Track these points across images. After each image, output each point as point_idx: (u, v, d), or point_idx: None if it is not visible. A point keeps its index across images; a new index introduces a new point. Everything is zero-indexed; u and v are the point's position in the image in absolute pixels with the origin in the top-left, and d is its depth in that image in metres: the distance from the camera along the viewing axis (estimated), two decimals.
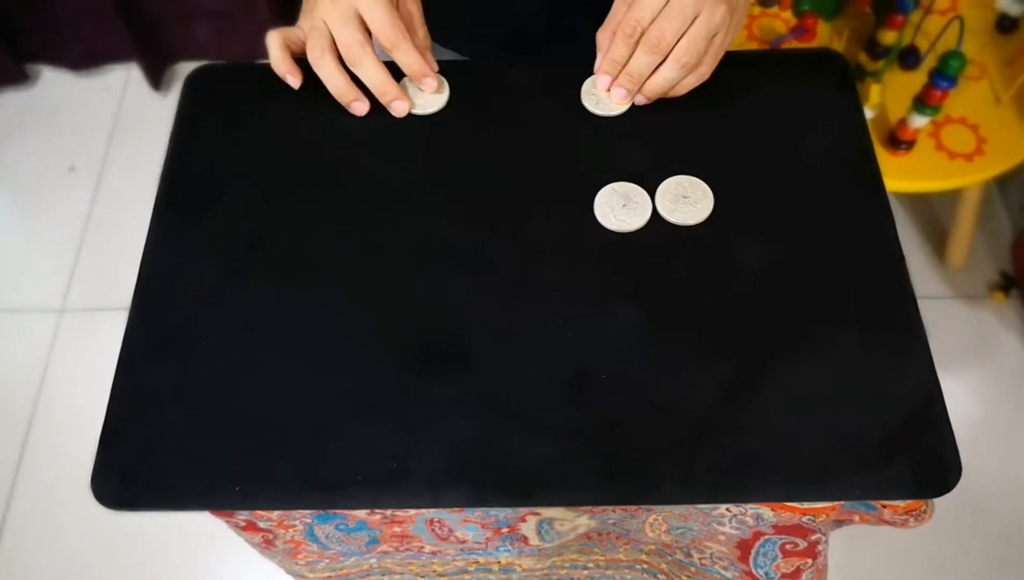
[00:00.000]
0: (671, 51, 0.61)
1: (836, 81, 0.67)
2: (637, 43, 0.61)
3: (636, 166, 0.63)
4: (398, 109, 0.65)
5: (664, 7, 0.60)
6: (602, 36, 0.64)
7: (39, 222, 1.73)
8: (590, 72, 0.66)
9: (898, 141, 1.26)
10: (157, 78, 1.85)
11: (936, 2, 1.33)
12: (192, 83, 0.70)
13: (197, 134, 0.67)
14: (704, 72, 0.63)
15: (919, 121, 1.22)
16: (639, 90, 0.64)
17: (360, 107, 0.65)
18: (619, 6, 0.63)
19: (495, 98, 0.67)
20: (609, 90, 0.65)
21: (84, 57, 1.85)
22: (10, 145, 1.82)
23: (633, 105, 0.65)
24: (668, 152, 0.64)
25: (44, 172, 1.78)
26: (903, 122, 1.24)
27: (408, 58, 0.64)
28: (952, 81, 1.17)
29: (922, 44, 1.31)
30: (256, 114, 0.66)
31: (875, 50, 1.28)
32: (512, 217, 0.61)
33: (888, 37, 1.26)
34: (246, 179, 0.64)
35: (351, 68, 0.63)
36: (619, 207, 0.61)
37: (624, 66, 0.63)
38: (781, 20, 1.38)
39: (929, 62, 1.28)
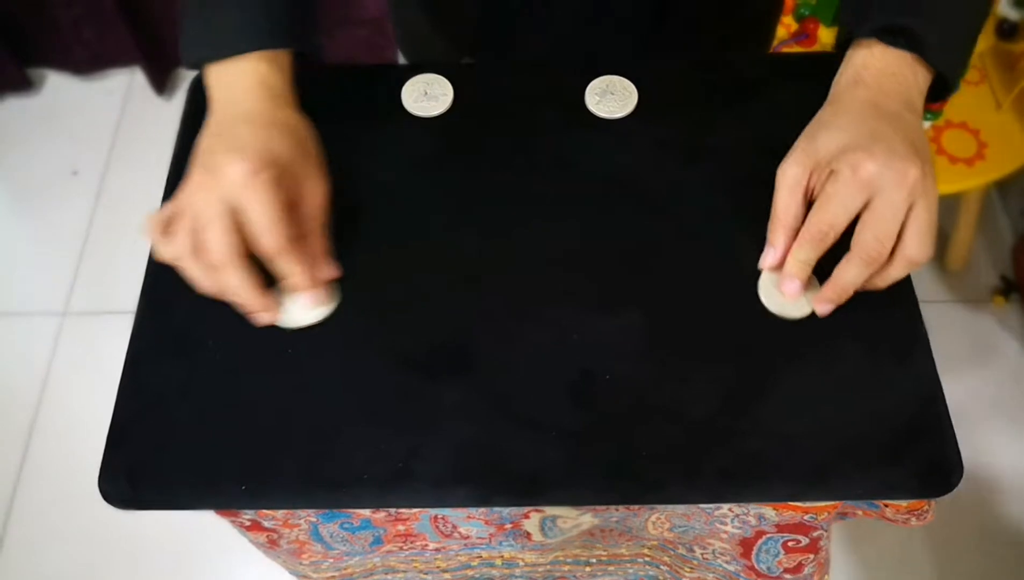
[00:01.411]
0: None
1: None
2: (828, 246, 0.53)
3: (639, 169, 0.63)
4: (261, 321, 0.56)
5: (867, 205, 0.51)
6: (779, 233, 0.55)
7: (42, 226, 1.73)
8: (593, 74, 0.66)
9: None
10: (160, 82, 1.85)
11: None
12: (198, 86, 0.70)
13: None
14: (931, 254, 0.53)
15: None
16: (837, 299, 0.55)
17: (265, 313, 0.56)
18: (791, 194, 0.54)
19: (498, 101, 0.67)
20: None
21: (87, 61, 1.85)
22: (13, 149, 1.82)
23: (636, 108, 0.66)
24: (672, 155, 0.64)
25: (47, 176, 1.79)
26: None
27: (289, 269, 0.54)
28: None
29: None
30: None
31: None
32: (517, 219, 0.62)
33: None
34: None
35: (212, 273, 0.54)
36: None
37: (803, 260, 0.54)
38: (782, 25, 1.39)
39: None
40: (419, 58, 0.86)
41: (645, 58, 0.71)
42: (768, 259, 0.56)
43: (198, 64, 0.59)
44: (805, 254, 0.54)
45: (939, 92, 0.57)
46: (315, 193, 0.57)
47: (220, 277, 0.53)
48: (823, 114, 0.57)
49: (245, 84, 0.57)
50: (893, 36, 0.55)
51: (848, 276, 0.53)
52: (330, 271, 0.58)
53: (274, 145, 0.55)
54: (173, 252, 0.54)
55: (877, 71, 0.56)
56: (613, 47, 0.76)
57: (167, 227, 0.54)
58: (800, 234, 0.54)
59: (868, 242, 0.51)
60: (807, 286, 0.55)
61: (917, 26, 0.54)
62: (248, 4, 0.57)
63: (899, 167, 0.51)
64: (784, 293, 0.55)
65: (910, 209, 0.51)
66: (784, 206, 0.55)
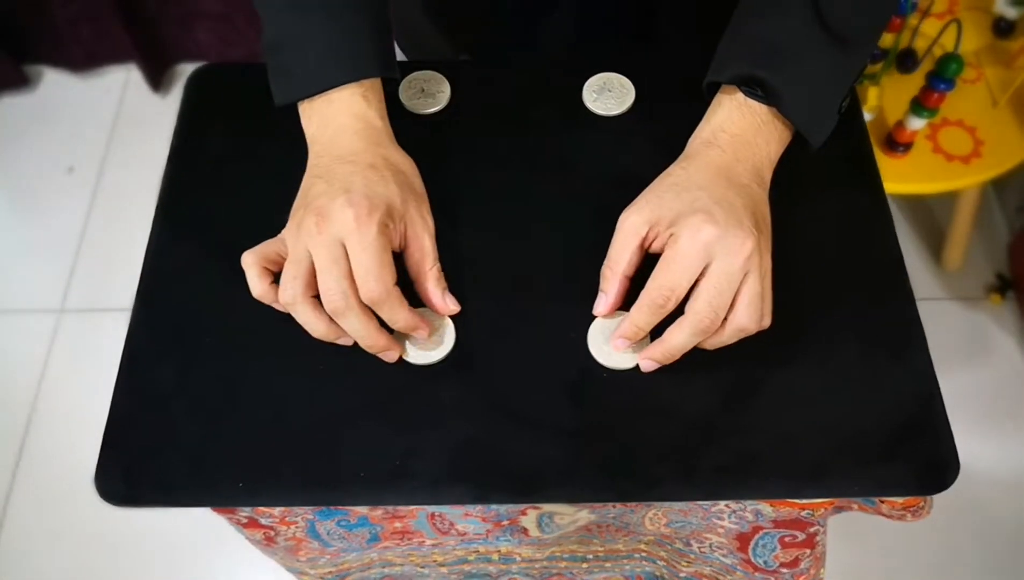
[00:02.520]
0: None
1: None
2: (667, 312, 0.53)
3: (637, 166, 0.63)
4: (388, 358, 0.56)
5: (704, 272, 0.52)
6: (610, 279, 0.55)
7: (38, 223, 1.73)
8: (592, 71, 0.66)
9: (895, 143, 1.27)
10: (157, 80, 1.85)
11: (933, 5, 1.34)
12: (194, 84, 0.70)
13: (199, 134, 0.67)
14: (767, 323, 0.54)
15: (916, 123, 1.23)
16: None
17: (347, 340, 0.55)
18: (626, 244, 0.54)
19: (495, 98, 0.67)
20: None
21: (84, 59, 1.85)
22: (10, 146, 1.82)
23: (635, 107, 0.66)
24: (669, 155, 0.64)
25: (43, 173, 1.78)
26: (900, 124, 1.25)
27: (394, 315, 0.54)
28: (949, 84, 1.17)
29: (919, 47, 1.31)
30: (258, 114, 0.66)
31: (873, 53, 1.29)
32: (514, 218, 0.62)
33: (886, 39, 1.27)
34: (249, 179, 0.64)
35: (332, 317, 0.54)
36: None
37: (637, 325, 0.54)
38: None
39: (926, 65, 1.29)
40: (418, 55, 0.86)
41: (641, 57, 0.71)
42: (600, 306, 0.56)
43: (291, 100, 0.58)
44: (644, 320, 0.53)
45: (805, 144, 0.59)
46: (423, 231, 0.56)
47: (343, 322, 0.53)
48: (675, 171, 0.57)
49: (342, 121, 0.57)
50: (750, 87, 0.56)
51: (678, 340, 0.53)
52: (454, 305, 0.57)
53: (380, 188, 0.54)
54: (287, 298, 0.53)
55: (733, 136, 0.57)
56: (608, 46, 0.76)
57: (267, 267, 0.55)
58: (640, 299, 0.53)
59: (702, 310, 0.51)
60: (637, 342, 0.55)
61: (773, 80, 0.55)
62: (336, 35, 0.57)
63: (738, 235, 0.51)
64: (613, 347, 0.55)
65: (743, 280, 0.52)
66: (618, 253, 0.55)
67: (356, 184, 0.53)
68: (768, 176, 0.58)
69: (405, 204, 0.55)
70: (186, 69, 1.87)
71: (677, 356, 0.54)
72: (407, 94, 0.67)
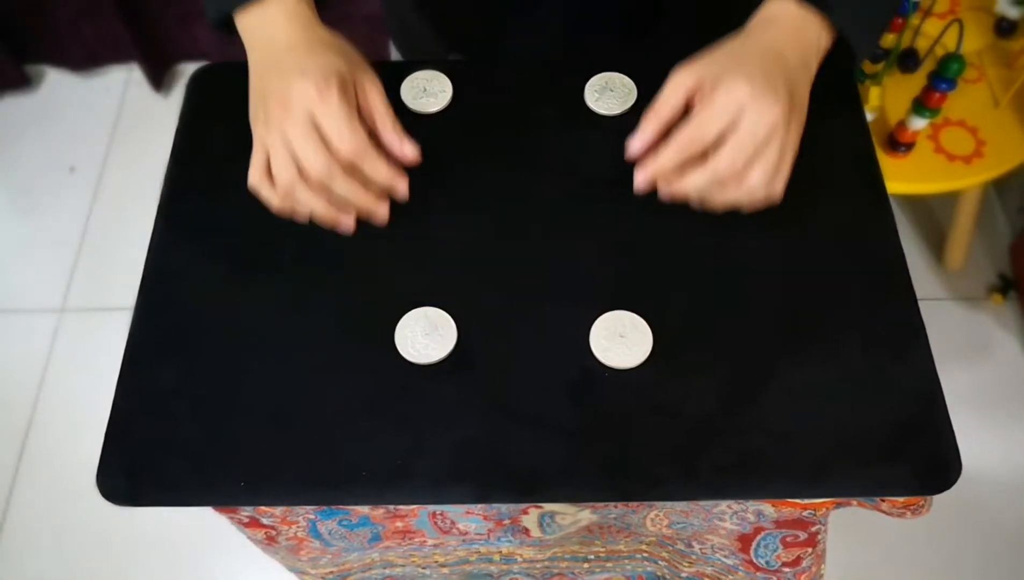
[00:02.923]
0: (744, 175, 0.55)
1: (838, 83, 0.68)
2: (691, 157, 0.56)
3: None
4: (380, 216, 0.60)
5: (732, 127, 0.54)
6: (651, 122, 0.58)
7: (39, 222, 1.73)
8: (594, 71, 0.66)
9: (897, 143, 1.27)
10: (158, 79, 1.85)
11: (935, 5, 1.34)
12: (196, 83, 0.70)
13: (201, 133, 0.67)
14: (780, 194, 0.57)
15: (918, 123, 1.23)
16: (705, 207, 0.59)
17: (347, 223, 0.60)
18: (675, 92, 0.57)
19: (497, 98, 0.67)
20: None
21: (85, 58, 1.85)
22: (11, 145, 1.82)
23: (637, 106, 0.66)
24: None
25: (44, 173, 1.78)
26: (902, 124, 1.24)
27: (374, 168, 0.57)
28: (951, 84, 1.17)
29: (921, 47, 1.31)
30: None
31: (874, 53, 1.29)
32: (515, 216, 0.62)
33: (887, 39, 1.27)
34: None
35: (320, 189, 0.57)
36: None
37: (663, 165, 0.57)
38: None
39: (928, 65, 1.29)
40: (412, 53, 0.86)
41: (642, 57, 0.71)
42: (634, 144, 0.58)
43: (226, 15, 0.61)
44: (669, 159, 0.56)
45: (847, 59, 0.61)
46: (373, 89, 0.59)
47: (334, 189, 0.57)
48: (730, 41, 0.59)
49: (278, 21, 0.60)
50: None
51: (694, 178, 0.56)
52: (412, 150, 0.59)
53: (327, 61, 0.57)
54: (283, 188, 0.57)
55: (787, 22, 0.59)
56: (604, 47, 0.76)
57: (265, 176, 0.58)
58: (670, 141, 0.56)
59: (723, 158, 0.55)
60: None
61: None
62: None
63: (769, 100, 0.54)
64: (636, 181, 0.58)
65: (766, 145, 0.55)
66: (664, 100, 0.57)
67: (305, 64, 0.57)
68: (814, 67, 0.60)
69: (352, 70, 0.58)
70: (187, 68, 1.87)
71: (692, 195, 0.57)
72: (409, 93, 0.67)
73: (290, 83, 0.56)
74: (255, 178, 0.58)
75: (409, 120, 0.66)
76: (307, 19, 0.61)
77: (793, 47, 0.58)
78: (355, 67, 0.59)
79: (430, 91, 0.67)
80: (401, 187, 0.59)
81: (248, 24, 0.61)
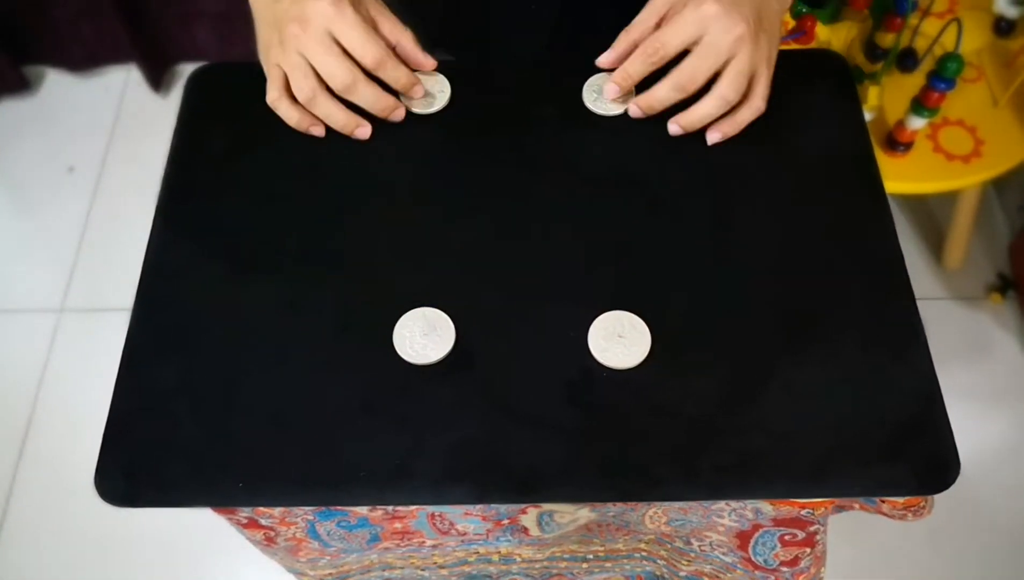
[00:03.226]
0: (714, 87, 0.60)
1: (836, 82, 0.68)
2: (655, 64, 0.61)
3: (637, 167, 0.63)
4: (397, 117, 0.65)
5: (697, 41, 0.58)
6: (622, 39, 0.63)
7: (38, 222, 1.73)
8: (592, 71, 0.66)
9: (896, 143, 1.27)
10: (157, 79, 1.85)
11: (934, 4, 1.34)
12: (194, 83, 0.70)
13: (200, 133, 0.67)
14: (759, 106, 0.61)
15: (917, 123, 1.23)
16: (683, 124, 0.63)
17: (364, 132, 0.64)
18: (650, 14, 0.62)
19: (496, 98, 0.67)
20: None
21: (84, 58, 1.85)
22: (10, 146, 1.82)
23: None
24: (667, 150, 0.64)
25: (43, 173, 1.78)
26: (901, 124, 1.24)
27: (396, 73, 0.62)
28: (950, 83, 1.17)
29: (920, 46, 1.31)
30: (258, 113, 0.66)
31: (873, 52, 1.29)
32: (514, 216, 0.62)
33: (886, 39, 1.27)
34: (249, 178, 0.64)
35: (344, 96, 0.62)
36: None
37: (630, 74, 0.62)
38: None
39: (927, 64, 1.29)
40: None
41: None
42: (606, 56, 0.64)
43: None
44: (634, 68, 0.62)
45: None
46: (385, 12, 0.63)
47: (354, 96, 0.61)
48: None
49: None
50: None
51: (659, 93, 0.61)
52: (429, 61, 0.65)
53: None
54: (304, 100, 0.61)
55: None
56: (598, 43, 0.76)
57: (284, 93, 0.62)
58: (635, 52, 0.61)
59: (684, 68, 0.59)
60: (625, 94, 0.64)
61: None
62: None
63: (734, 18, 0.58)
64: (605, 95, 0.64)
65: (732, 56, 0.58)
66: (640, 21, 0.62)
67: None
68: (787, 5, 0.64)
69: None
70: (186, 69, 1.87)
71: (656, 107, 0.62)
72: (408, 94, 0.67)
73: (303, 5, 0.58)
74: (273, 96, 0.62)
75: (408, 121, 0.66)
76: None
77: None
78: None
79: (429, 92, 0.67)
80: (418, 90, 0.64)
81: None
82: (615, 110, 0.65)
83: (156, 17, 1.76)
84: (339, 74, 0.60)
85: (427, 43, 0.81)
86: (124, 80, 1.91)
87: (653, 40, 0.60)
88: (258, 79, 0.66)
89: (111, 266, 1.65)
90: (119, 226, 1.70)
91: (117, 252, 1.65)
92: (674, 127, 0.63)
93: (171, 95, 1.88)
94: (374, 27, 0.62)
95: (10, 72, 1.82)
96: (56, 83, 1.90)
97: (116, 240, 1.68)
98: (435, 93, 0.67)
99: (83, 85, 1.90)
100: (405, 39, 0.64)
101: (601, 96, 0.66)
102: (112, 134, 1.83)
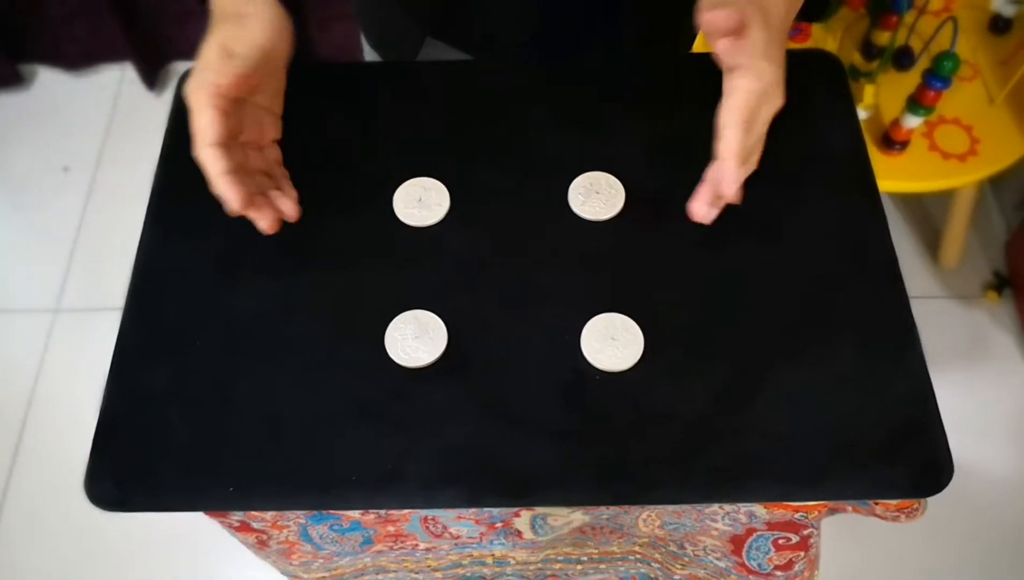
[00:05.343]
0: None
1: (830, 82, 0.67)
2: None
3: (627, 161, 0.63)
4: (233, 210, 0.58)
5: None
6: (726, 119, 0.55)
7: (33, 222, 1.73)
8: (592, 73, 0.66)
9: (892, 141, 1.26)
10: (152, 78, 1.85)
11: (930, 3, 1.34)
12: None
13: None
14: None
15: (913, 121, 1.23)
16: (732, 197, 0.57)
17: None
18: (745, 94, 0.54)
19: (496, 98, 0.67)
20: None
21: (79, 57, 1.85)
22: (4, 145, 1.81)
23: (629, 104, 0.65)
24: (661, 151, 0.64)
25: (38, 172, 1.78)
26: (897, 122, 1.24)
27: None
28: (946, 82, 1.17)
29: (916, 45, 1.31)
30: None
31: (869, 51, 1.29)
32: (510, 218, 0.61)
33: (882, 38, 1.27)
34: None
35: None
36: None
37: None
38: None
39: (923, 63, 1.29)
40: (379, 35, 0.84)
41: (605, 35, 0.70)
42: (698, 211, 0.58)
43: None
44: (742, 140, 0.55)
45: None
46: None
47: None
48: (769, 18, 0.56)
49: None
50: None
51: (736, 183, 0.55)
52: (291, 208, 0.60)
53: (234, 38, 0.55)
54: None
55: None
56: (566, 29, 0.75)
57: None
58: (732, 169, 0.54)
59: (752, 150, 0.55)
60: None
61: None
62: None
63: (780, 93, 0.55)
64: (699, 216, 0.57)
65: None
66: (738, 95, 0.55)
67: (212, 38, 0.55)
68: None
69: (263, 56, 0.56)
70: (181, 67, 1.87)
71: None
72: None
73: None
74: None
75: (406, 120, 0.65)
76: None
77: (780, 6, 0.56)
78: (270, 54, 0.57)
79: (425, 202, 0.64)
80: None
81: None
82: (604, 215, 0.62)
83: (151, 16, 1.76)
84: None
85: (414, 25, 0.80)
86: (119, 79, 1.90)
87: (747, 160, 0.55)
88: None
89: (106, 265, 1.64)
90: (114, 225, 1.69)
91: (112, 251, 1.65)
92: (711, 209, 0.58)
93: (166, 94, 1.87)
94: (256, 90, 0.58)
95: (5, 69, 1.81)
96: (51, 82, 1.90)
97: (111, 239, 1.67)
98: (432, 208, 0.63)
99: (78, 84, 1.89)
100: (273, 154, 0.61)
101: (588, 198, 0.62)
102: (107, 133, 1.83)
